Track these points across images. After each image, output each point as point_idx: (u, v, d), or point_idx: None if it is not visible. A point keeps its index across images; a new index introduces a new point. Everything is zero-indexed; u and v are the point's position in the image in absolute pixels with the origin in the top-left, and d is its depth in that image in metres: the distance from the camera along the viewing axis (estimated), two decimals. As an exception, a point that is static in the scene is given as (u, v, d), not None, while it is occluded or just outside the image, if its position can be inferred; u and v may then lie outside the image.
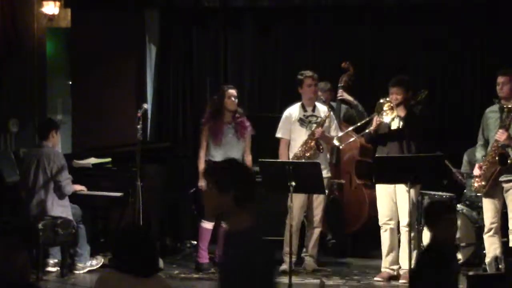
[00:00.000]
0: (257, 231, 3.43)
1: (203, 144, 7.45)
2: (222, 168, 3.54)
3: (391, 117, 6.82)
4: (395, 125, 6.94)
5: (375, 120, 6.89)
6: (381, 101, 6.85)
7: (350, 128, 7.40)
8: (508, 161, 6.58)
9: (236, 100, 7.46)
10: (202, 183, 7.32)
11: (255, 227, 3.42)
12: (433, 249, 4.63)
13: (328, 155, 7.65)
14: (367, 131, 7.02)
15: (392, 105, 6.80)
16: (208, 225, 7.40)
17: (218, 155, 7.39)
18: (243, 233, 3.37)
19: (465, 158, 8.18)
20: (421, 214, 7.87)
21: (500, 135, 6.62)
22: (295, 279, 6.64)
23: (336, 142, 7.15)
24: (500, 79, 6.74)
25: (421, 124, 6.92)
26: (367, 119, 7.16)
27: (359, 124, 7.19)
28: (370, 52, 9.25)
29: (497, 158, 6.62)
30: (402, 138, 6.92)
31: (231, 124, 7.46)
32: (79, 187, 7.42)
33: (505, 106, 6.68)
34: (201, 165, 7.39)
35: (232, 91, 7.47)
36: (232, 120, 7.46)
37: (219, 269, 3.68)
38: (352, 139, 7.42)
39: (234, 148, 7.45)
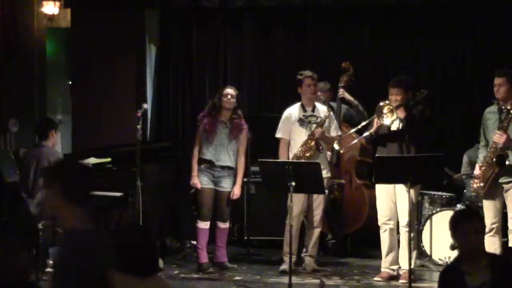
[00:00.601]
0: (92, 235, 3.29)
1: (197, 141, 7.43)
2: (51, 162, 3.44)
3: (391, 119, 6.81)
4: (395, 126, 6.93)
5: (376, 122, 6.89)
6: (381, 104, 6.84)
7: (352, 131, 7.36)
8: (507, 163, 6.57)
9: (233, 100, 7.42)
10: (195, 180, 7.33)
11: (91, 231, 3.29)
12: (455, 262, 4.31)
13: (329, 153, 7.66)
14: (367, 133, 7.01)
15: (391, 107, 6.79)
16: (203, 225, 7.40)
17: (208, 153, 7.38)
18: (75, 234, 3.24)
19: (465, 158, 8.19)
20: (421, 214, 7.90)
21: (499, 138, 6.60)
22: (295, 279, 6.64)
23: (336, 146, 7.16)
24: (497, 81, 6.71)
25: (421, 126, 6.91)
26: (368, 121, 7.14)
27: (359, 126, 7.17)
28: (370, 52, 9.26)
29: (494, 159, 6.62)
30: (402, 139, 6.92)
31: (227, 124, 7.44)
32: None
33: (503, 107, 6.67)
34: (195, 163, 7.37)
35: (229, 90, 7.45)
36: (228, 120, 7.44)
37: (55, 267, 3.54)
38: (353, 142, 7.41)
39: (224, 148, 7.42)
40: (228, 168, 7.42)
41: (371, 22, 9.22)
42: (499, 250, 6.75)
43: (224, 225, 7.50)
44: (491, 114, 6.79)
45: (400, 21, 9.16)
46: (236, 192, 7.48)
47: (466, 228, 4.14)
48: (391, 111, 6.79)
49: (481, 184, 6.71)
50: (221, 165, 7.39)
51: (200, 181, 7.36)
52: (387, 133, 6.95)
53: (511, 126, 6.63)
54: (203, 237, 7.41)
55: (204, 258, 7.40)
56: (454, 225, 4.22)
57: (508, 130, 6.61)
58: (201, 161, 7.39)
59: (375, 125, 6.89)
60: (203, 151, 7.40)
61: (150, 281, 3.63)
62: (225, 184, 7.42)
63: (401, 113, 6.86)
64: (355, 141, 7.40)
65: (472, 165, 7.82)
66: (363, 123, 7.15)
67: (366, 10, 9.12)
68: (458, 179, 8.11)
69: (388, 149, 6.95)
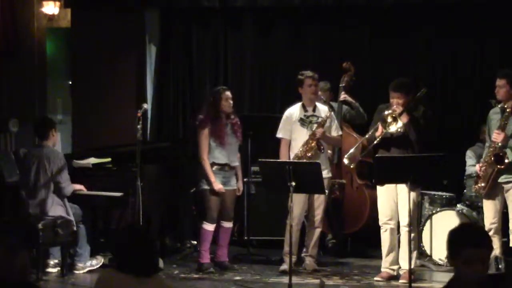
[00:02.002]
0: None
1: (205, 146, 7.32)
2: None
3: (396, 127, 6.80)
4: (398, 131, 6.92)
5: (380, 129, 6.87)
6: (386, 112, 6.82)
7: (363, 139, 7.32)
8: (506, 161, 6.59)
9: (232, 102, 7.43)
10: (218, 186, 7.26)
11: None
12: None
13: (330, 152, 7.66)
14: (375, 142, 6.97)
15: (395, 115, 6.78)
16: (210, 227, 7.36)
17: (222, 157, 7.35)
18: None
19: (468, 153, 8.12)
20: (421, 214, 7.89)
21: (497, 136, 6.64)
22: (295, 279, 6.63)
23: (345, 161, 7.12)
24: (498, 82, 6.78)
25: (423, 129, 6.91)
26: (373, 130, 7.06)
27: (367, 136, 7.12)
28: (370, 52, 9.25)
29: (493, 159, 6.64)
30: (404, 142, 6.90)
31: (228, 125, 7.44)
32: (78, 187, 7.42)
33: (506, 107, 6.70)
34: (208, 167, 7.31)
35: (229, 93, 7.43)
36: (227, 121, 7.44)
37: None
38: (365, 152, 7.34)
39: (233, 148, 7.45)
40: (235, 167, 7.45)
41: (371, 22, 9.22)
42: (498, 251, 6.76)
43: (228, 224, 7.50)
44: (495, 115, 6.83)
45: (400, 21, 9.15)
46: (241, 187, 7.54)
47: (474, 255, 3.32)
48: (395, 119, 6.78)
49: (483, 184, 6.74)
50: (232, 165, 7.41)
51: None
52: (389, 137, 6.93)
53: (510, 124, 6.66)
54: (208, 240, 7.38)
55: (206, 258, 7.39)
56: (458, 247, 3.37)
57: (506, 129, 6.64)
58: (213, 164, 7.36)
59: (379, 132, 6.87)
60: (215, 155, 7.34)
61: (150, 281, 3.63)
62: (232, 183, 7.45)
63: (404, 118, 6.86)
64: (366, 151, 7.34)
65: (478, 158, 7.76)
66: (370, 133, 7.06)
67: (366, 10, 9.12)
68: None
69: (390, 152, 6.93)
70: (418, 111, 7.00)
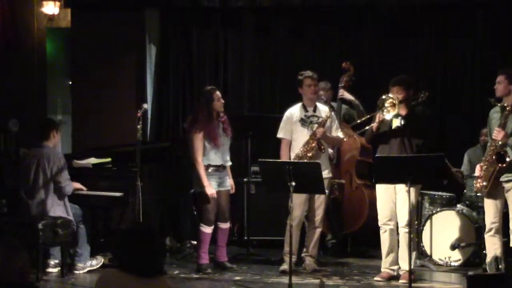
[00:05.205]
0: None
1: (200, 149, 7.27)
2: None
3: (392, 114, 6.80)
4: (396, 124, 6.93)
5: (377, 117, 6.89)
6: (384, 97, 6.84)
7: (353, 128, 7.37)
8: (507, 159, 6.59)
9: (222, 101, 7.43)
10: (212, 190, 7.23)
11: None
12: None
13: (331, 150, 7.66)
14: (367, 127, 7.00)
15: (394, 101, 6.78)
16: (207, 229, 7.35)
17: (217, 158, 7.34)
18: None
19: (465, 158, 8.20)
20: (421, 214, 7.89)
21: (497, 134, 6.64)
22: (295, 279, 6.64)
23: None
24: (497, 79, 6.79)
25: (422, 123, 6.92)
26: (368, 116, 7.13)
27: (358, 121, 7.16)
28: (370, 52, 9.25)
29: (494, 157, 6.64)
30: (403, 137, 6.92)
31: (219, 124, 7.43)
32: (78, 185, 7.43)
33: (506, 105, 6.70)
34: (202, 170, 7.28)
35: (219, 93, 7.42)
36: (218, 121, 7.43)
37: None
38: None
39: (226, 147, 7.43)
40: (228, 166, 7.45)
41: (371, 22, 9.22)
42: (499, 250, 6.75)
43: (226, 225, 7.49)
44: (495, 114, 6.83)
45: (400, 22, 9.15)
46: (233, 185, 7.54)
47: None
48: (393, 105, 6.78)
49: (484, 183, 6.72)
50: (226, 165, 7.40)
51: None
52: (388, 131, 6.95)
53: (509, 123, 6.66)
54: (207, 242, 7.36)
55: (205, 259, 7.38)
56: None
57: (506, 127, 6.64)
58: (208, 166, 7.34)
59: (377, 119, 6.89)
60: (210, 157, 7.31)
61: (151, 282, 3.61)
62: (227, 183, 7.44)
63: (402, 110, 6.87)
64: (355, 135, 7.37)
65: (471, 164, 7.84)
66: (363, 118, 7.13)
67: (366, 10, 9.12)
68: (456, 173, 8.09)
69: (390, 146, 6.95)
70: (418, 109, 7.03)
